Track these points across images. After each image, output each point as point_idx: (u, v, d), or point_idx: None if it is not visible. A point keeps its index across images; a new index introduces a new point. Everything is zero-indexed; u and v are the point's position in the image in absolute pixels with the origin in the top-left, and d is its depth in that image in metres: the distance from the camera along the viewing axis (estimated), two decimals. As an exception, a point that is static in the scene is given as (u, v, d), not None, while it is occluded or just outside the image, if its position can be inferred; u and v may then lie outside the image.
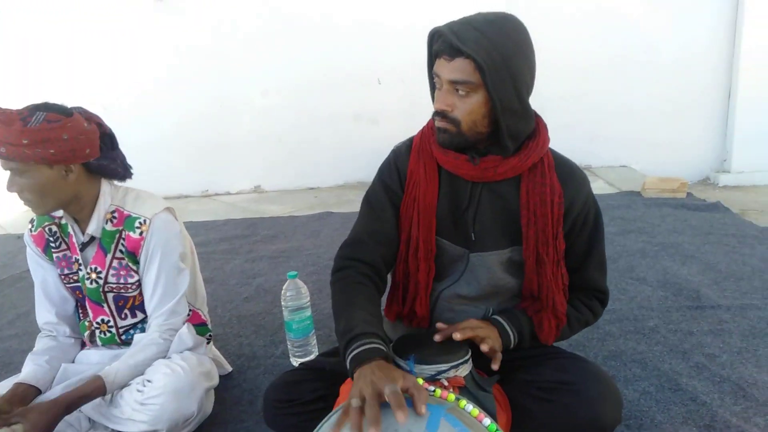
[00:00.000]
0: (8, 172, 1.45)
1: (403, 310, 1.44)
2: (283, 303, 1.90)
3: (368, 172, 5.14)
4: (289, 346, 1.96)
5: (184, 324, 1.67)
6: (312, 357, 1.93)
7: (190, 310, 1.76)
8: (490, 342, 1.22)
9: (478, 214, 1.31)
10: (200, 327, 1.80)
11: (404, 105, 4.50)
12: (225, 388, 1.83)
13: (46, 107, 1.45)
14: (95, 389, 1.47)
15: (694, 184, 4.36)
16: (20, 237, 4.00)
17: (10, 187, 1.44)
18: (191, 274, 1.74)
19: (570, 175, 1.29)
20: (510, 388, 1.27)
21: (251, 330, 2.26)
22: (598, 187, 4.09)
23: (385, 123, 4.71)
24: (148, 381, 1.47)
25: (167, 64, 4.68)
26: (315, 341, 1.97)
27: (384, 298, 1.43)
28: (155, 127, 4.70)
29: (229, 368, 1.93)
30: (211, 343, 1.88)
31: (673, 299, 2.21)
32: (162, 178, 4.18)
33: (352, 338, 1.12)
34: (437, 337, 1.23)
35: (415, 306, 1.39)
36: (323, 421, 1.07)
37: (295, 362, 1.94)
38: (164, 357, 1.60)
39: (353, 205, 4.24)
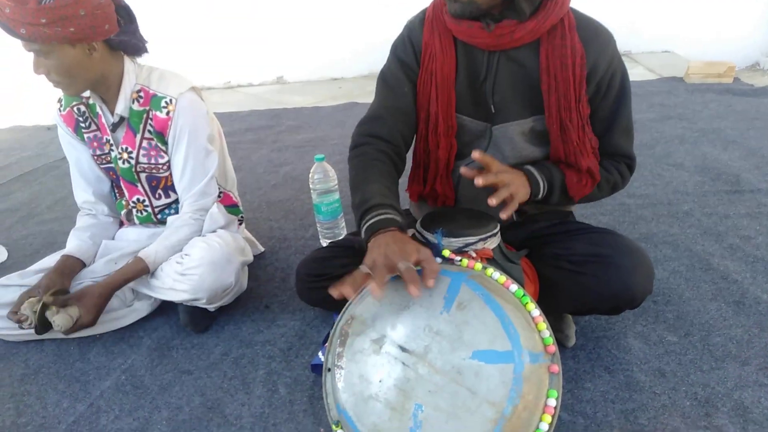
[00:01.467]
0: (32, 55, 1.42)
1: (424, 189, 1.43)
2: (311, 186, 1.91)
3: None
4: (318, 228, 1.99)
5: (214, 204, 1.70)
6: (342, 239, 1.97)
7: (220, 192, 1.78)
8: (504, 193, 1.14)
9: (496, 84, 1.25)
10: (232, 208, 1.83)
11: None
12: (259, 266, 1.89)
13: None
14: (138, 270, 1.53)
15: (742, 70, 4.09)
16: (50, 128, 4.05)
17: (37, 69, 1.41)
18: (220, 156, 1.74)
19: (593, 34, 1.20)
20: (539, 262, 1.27)
21: (281, 214, 2.30)
22: (637, 73, 3.87)
23: (415, 10, 4.44)
24: (186, 255, 1.52)
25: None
26: (343, 224, 2.00)
27: (405, 180, 1.41)
28: (177, 18, 4.53)
29: (262, 248, 1.98)
30: (243, 224, 1.92)
31: (710, 184, 2.15)
32: (184, 69, 4.09)
33: (367, 209, 1.12)
34: (479, 182, 1.12)
35: (437, 185, 1.38)
36: (351, 299, 1.10)
37: (325, 243, 1.98)
38: (198, 236, 1.65)
39: (379, 95, 4.12)
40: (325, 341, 1.43)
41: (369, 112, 1.36)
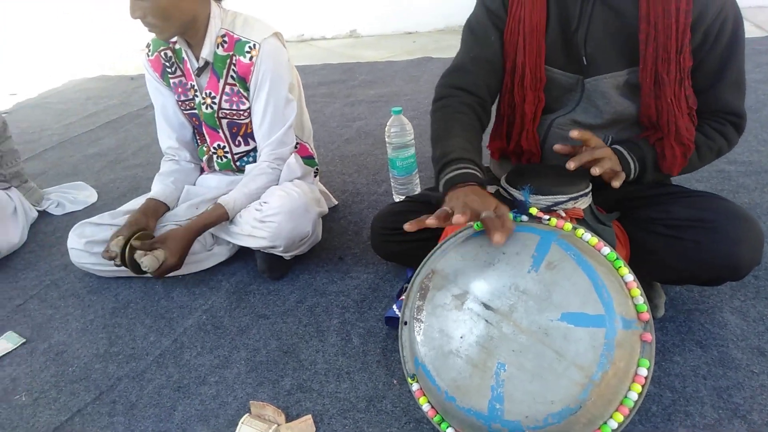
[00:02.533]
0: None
1: (508, 146, 1.37)
2: (387, 139, 1.87)
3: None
4: (392, 184, 1.97)
5: (291, 154, 1.71)
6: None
7: (297, 143, 1.78)
8: (607, 164, 1.08)
9: (590, 33, 1.15)
10: (308, 159, 1.83)
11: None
12: (332, 219, 1.90)
13: None
14: (218, 216, 1.57)
15: None
16: (133, 78, 4.21)
17: (134, 12, 1.44)
18: (298, 107, 1.74)
19: None
20: (632, 225, 1.19)
21: (354, 169, 2.29)
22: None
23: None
24: (265, 203, 1.54)
25: None
26: (418, 180, 1.96)
27: (487, 136, 1.35)
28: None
29: (335, 201, 1.99)
30: (318, 177, 1.92)
31: (823, 153, 1.95)
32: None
33: (446, 162, 1.08)
34: (571, 165, 1.08)
35: (522, 141, 1.31)
36: (431, 253, 1.07)
37: (398, 199, 1.96)
38: (275, 185, 1.66)
39: (454, 50, 3.95)
40: (399, 295, 1.42)
41: (454, 62, 1.30)
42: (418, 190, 1.96)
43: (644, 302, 0.92)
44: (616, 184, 1.10)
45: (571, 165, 1.07)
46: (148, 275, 1.53)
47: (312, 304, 1.50)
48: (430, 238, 1.28)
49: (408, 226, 0.97)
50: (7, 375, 1.37)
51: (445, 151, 1.10)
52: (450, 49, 3.98)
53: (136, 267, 1.49)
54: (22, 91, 4.15)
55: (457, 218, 0.89)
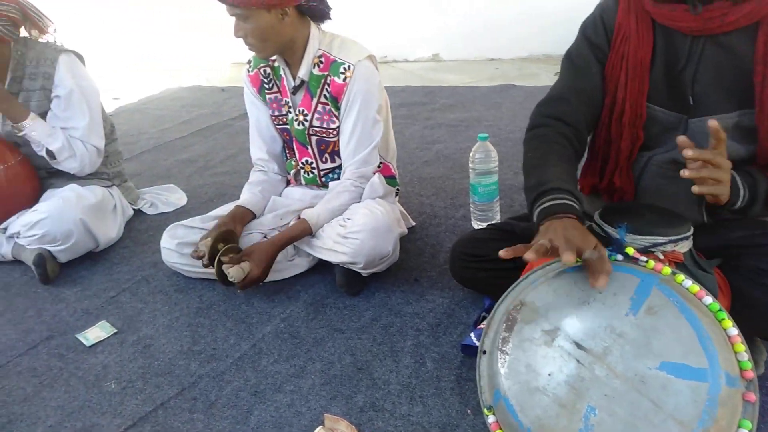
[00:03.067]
0: (233, 20, 1.54)
1: (600, 182, 1.33)
2: (470, 165, 1.87)
3: (558, 45, 4.68)
4: (471, 209, 1.96)
5: (374, 174, 1.74)
6: (494, 222, 1.92)
7: (380, 163, 1.82)
8: (718, 190, 0.98)
9: (698, 73, 1.11)
10: (390, 179, 1.86)
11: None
12: (409, 240, 1.91)
13: None
14: (302, 230, 1.62)
15: None
16: (224, 90, 4.43)
17: (237, 32, 1.54)
18: (384, 128, 1.77)
19: None
20: (734, 274, 1.13)
21: (432, 191, 2.30)
22: None
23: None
24: (348, 219, 1.58)
25: None
26: (498, 207, 1.94)
27: (578, 170, 1.32)
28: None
29: (413, 223, 2.00)
30: (397, 197, 1.95)
31: None
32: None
33: (543, 192, 1.06)
34: (685, 173, 0.96)
35: (615, 178, 1.27)
36: (516, 283, 1.05)
37: (477, 225, 1.94)
38: (357, 202, 1.70)
39: (538, 79, 3.95)
40: (476, 323, 1.41)
41: (551, 92, 1.29)
42: (497, 217, 1.95)
43: (749, 359, 0.87)
44: (698, 190, 0.98)
45: (685, 173, 0.97)
46: (235, 287, 1.60)
47: (387, 323, 1.51)
48: (512, 268, 1.26)
49: (504, 253, 0.96)
50: (99, 362, 1.46)
51: (542, 180, 1.09)
52: (533, 77, 3.95)
53: (223, 278, 1.57)
54: (124, 96, 4.47)
55: (567, 258, 0.88)
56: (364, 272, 1.62)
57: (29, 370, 1.44)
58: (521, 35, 4.49)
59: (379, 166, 1.79)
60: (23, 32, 1.93)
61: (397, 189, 1.92)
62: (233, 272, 1.52)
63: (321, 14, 1.61)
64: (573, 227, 0.97)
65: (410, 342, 1.42)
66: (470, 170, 1.89)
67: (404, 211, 1.99)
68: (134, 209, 2.30)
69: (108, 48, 5.38)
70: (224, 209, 1.86)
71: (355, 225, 1.53)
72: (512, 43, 4.55)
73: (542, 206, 1.05)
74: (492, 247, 1.42)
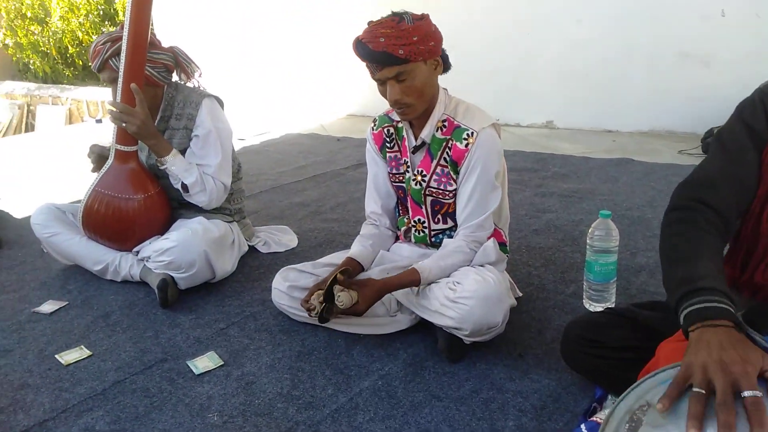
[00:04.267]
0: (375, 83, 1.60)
1: (741, 275, 1.21)
2: (588, 242, 1.79)
3: (685, 122, 4.50)
4: (585, 287, 1.86)
5: (488, 239, 1.72)
6: (608, 304, 1.81)
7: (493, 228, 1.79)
8: None
9: None
10: (501, 246, 1.82)
11: (753, 45, 3.71)
12: (514, 311, 1.83)
13: (396, 13, 1.56)
14: (411, 281, 1.62)
15: None
16: (339, 140, 4.65)
17: (394, 95, 1.53)
18: (501, 194, 1.75)
19: None
20: None
21: (540, 262, 2.23)
22: None
23: (720, 66, 3.97)
24: (458, 283, 1.56)
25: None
26: (614, 289, 1.83)
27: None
28: (458, 50, 4.82)
29: (519, 293, 1.94)
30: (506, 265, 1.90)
31: None
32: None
33: (694, 290, 0.96)
34: None
35: (757, 274, 1.15)
36: (643, 380, 0.96)
37: (589, 305, 1.84)
38: (467, 265, 1.68)
39: (659, 155, 3.77)
40: (586, 414, 1.31)
41: (699, 174, 1.19)
42: (613, 299, 1.83)
43: None
44: None
45: None
46: (324, 313, 1.60)
47: (487, 397, 1.45)
48: (635, 360, 1.17)
49: (661, 407, 0.85)
50: (205, 392, 1.52)
51: (691, 275, 0.98)
52: (654, 153, 3.77)
53: (329, 296, 1.57)
54: (249, 138, 4.82)
55: (664, 403, 0.80)
56: (468, 340, 1.57)
57: (143, 390, 1.53)
58: (642, 108, 4.34)
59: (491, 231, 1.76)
60: (174, 76, 2.16)
61: (507, 256, 1.87)
62: (344, 297, 1.53)
63: (449, 64, 1.66)
64: (731, 342, 0.86)
65: (512, 422, 1.35)
66: (587, 247, 1.80)
67: (511, 280, 1.93)
68: (249, 245, 2.42)
69: (239, 91, 5.87)
70: (334, 258, 1.91)
71: (465, 290, 1.50)
72: (632, 116, 4.40)
73: (692, 308, 0.94)
74: (613, 335, 1.34)
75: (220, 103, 2.21)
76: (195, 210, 2.20)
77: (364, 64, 1.57)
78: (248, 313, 1.93)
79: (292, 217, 2.88)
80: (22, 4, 8.41)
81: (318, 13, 5.62)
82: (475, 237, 1.69)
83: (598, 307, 1.81)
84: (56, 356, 1.68)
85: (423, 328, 1.75)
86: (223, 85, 4.19)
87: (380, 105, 1.67)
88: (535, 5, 4.52)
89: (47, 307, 1.98)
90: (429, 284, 1.65)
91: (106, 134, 4.42)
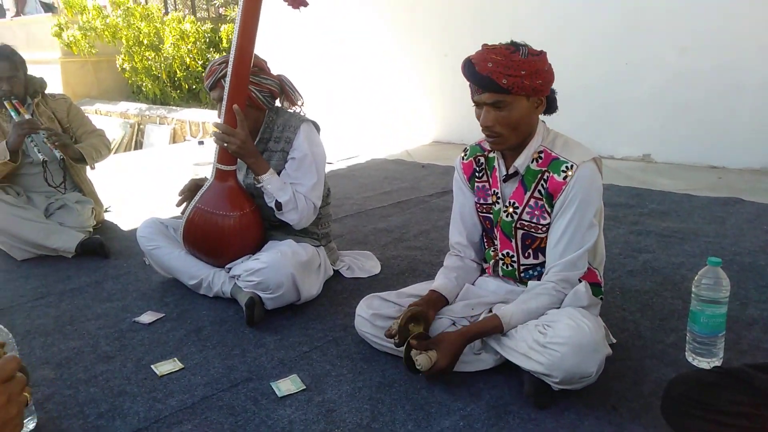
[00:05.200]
0: (474, 107, 1.59)
1: None
2: (694, 290, 1.66)
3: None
4: (688, 339, 1.72)
5: (579, 279, 1.64)
6: (716, 361, 1.66)
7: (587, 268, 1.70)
8: None
9: None
10: (595, 287, 1.72)
11: None
12: (607, 358, 1.72)
13: (515, 43, 1.54)
14: (493, 328, 1.58)
15: None
16: (424, 167, 4.66)
17: (486, 121, 1.54)
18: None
19: None
20: None
21: (636, 307, 2.09)
22: None
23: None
24: (548, 326, 1.48)
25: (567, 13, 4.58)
26: (722, 344, 1.68)
27: None
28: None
29: (613, 339, 1.81)
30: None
31: None
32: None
33: None
34: None
35: None
36: None
37: (693, 359, 1.69)
38: (556, 308, 1.60)
39: (772, 195, 3.46)
40: (692, 483, 1.19)
41: None
42: (721, 354, 1.68)
43: None
44: None
45: None
46: (419, 374, 1.59)
47: (577, 451, 1.36)
48: (750, 429, 1.06)
49: None
50: (287, 416, 1.53)
51: None
52: (766, 193, 3.46)
53: (410, 364, 1.58)
54: (336, 162, 4.94)
55: None
56: (557, 387, 1.49)
57: (228, 408, 1.57)
58: (753, 144, 4.02)
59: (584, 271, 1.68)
60: (277, 102, 2.26)
61: (600, 298, 1.77)
62: (421, 360, 1.53)
63: (555, 107, 1.61)
64: None
65: (604, 482, 1.25)
66: (693, 295, 1.67)
67: (604, 324, 1.82)
68: (333, 270, 2.46)
69: (328, 115, 6.07)
70: (418, 288, 1.89)
71: (557, 336, 1.43)
72: (741, 152, 4.09)
73: None
74: (722, 397, 1.22)
75: (317, 128, 2.29)
76: (285, 232, 2.27)
77: (467, 84, 1.57)
78: (331, 338, 1.94)
79: (375, 243, 2.89)
80: (140, 32, 9.22)
81: (406, 41, 5.72)
82: (566, 276, 1.61)
83: (703, 363, 1.66)
84: (152, 366, 1.77)
85: (507, 369, 1.67)
86: (314, 109, 4.36)
87: (466, 132, 1.68)
88: (635, 31, 4.34)
89: (146, 317, 2.11)
90: (511, 329, 1.59)
91: (206, 156, 4.71)
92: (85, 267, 2.63)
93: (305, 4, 2.08)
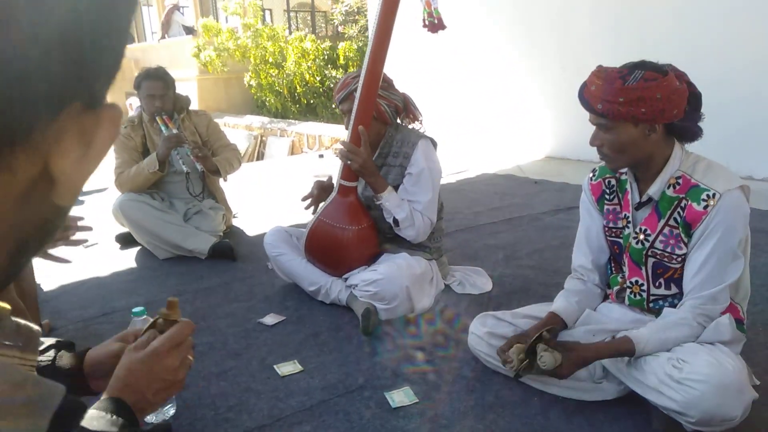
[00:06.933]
0: (591, 129, 1.55)
1: None
2: None
3: None
4: None
5: (720, 314, 1.51)
6: None
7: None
8: None
9: None
10: (738, 324, 1.58)
11: None
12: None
13: (643, 65, 1.47)
14: (625, 350, 1.49)
15: None
16: (536, 182, 4.53)
17: (594, 140, 1.54)
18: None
19: None
20: None
21: (786, 347, 1.88)
22: None
23: None
24: (684, 361, 1.38)
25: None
26: None
27: None
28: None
29: (757, 381, 1.64)
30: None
31: None
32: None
33: None
34: None
35: None
36: None
37: None
38: (693, 341, 1.48)
39: None
40: None
41: None
42: None
43: None
44: None
45: None
46: (522, 372, 1.54)
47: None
48: None
49: None
50: (400, 427, 1.56)
51: None
52: None
53: (531, 353, 1.52)
54: (447, 176, 4.96)
55: None
56: (691, 428, 1.38)
57: (344, 413, 1.63)
58: None
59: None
60: (398, 119, 2.32)
61: (743, 336, 1.61)
62: (547, 357, 1.47)
63: (692, 136, 1.51)
64: None
65: None
66: None
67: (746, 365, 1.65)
68: (445, 284, 2.46)
69: (441, 129, 6.11)
70: (535, 309, 1.84)
71: (695, 372, 1.32)
72: None
73: None
74: None
75: (434, 144, 2.32)
76: (399, 245, 2.32)
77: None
78: (443, 353, 1.95)
79: (486, 259, 2.86)
80: (266, 51, 9.90)
81: (523, 54, 5.62)
82: (705, 311, 1.49)
83: None
84: (274, 366, 1.89)
85: (630, 401, 1.58)
86: (428, 123, 4.40)
87: (580, 148, 1.62)
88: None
89: (269, 319, 2.25)
90: (643, 356, 1.50)
91: (325, 169, 4.94)
92: (215, 268, 2.86)
93: (443, 28, 2.13)
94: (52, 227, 0.32)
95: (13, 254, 0.30)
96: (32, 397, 0.29)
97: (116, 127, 0.30)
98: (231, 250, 2.96)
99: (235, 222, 3.63)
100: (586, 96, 1.50)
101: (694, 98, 1.50)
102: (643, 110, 1.43)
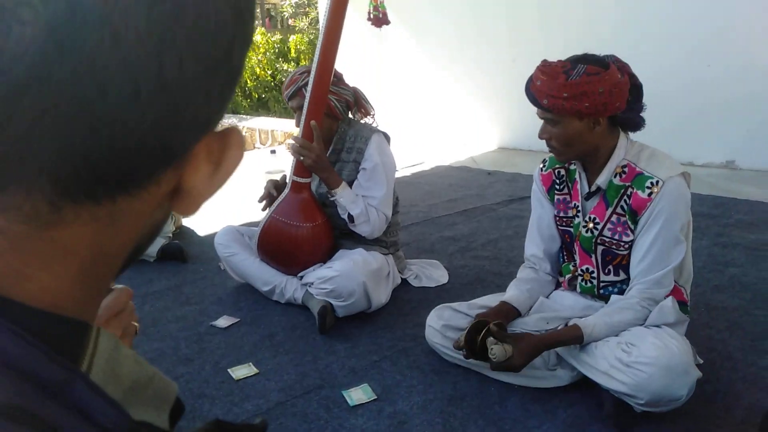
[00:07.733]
0: (540, 121, 1.58)
1: None
2: (793, 309, 1.54)
3: None
4: (786, 363, 1.60)
5: (665, 297, 1.56)
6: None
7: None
8: None
9: None
10: (681, 306, 1.63)
11: None
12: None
13: (585, 59, 1.49)
14: (573, 338, 1.53)
15: None
16: (490, 174, 4.59)
17: (542, 134, 1.57)
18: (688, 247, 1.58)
19: None
20: None
21: (724, 325, 1.96)
22: None
23: None
24: (632, 345, 1.42)
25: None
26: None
27: None
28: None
29: (699, 360, 1.71)
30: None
31: None
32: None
33: None
34: None
35: None
36: None
37: (791, 384, 1.57)
38: (640, 325, 1.53)
39: None
40: None
41: None
42: (824, 382, 1.55)
43: None
44: None
45: None
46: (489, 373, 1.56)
47: (663, 479, 1.29)
48: None
49: None
50: (359, 425, 1.55)
51: None
52: None
53: (483, 350, 1.53)
54: (401, 169, 4.96)
55: None
56: (640, 408, 1.42)
57: (302, 415, 1.60)
58: None
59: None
60: (350, 114, 2.29)
61: (687, 317, 1.67)
62: (497, 350, 1.49)
63: (635, 125, 1.55)
64: None
65: None
66: (793, 316, 1.55)
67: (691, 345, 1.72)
68: (401, 278, 2.46)
69: (393, 122, 6.11)
70: (490, 299, 1.86)
71: (643, 356, 1.36)
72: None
73: None
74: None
75: (387, 138, 2.30)
76: (355, 240, 2.29)
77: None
78: (400, 347, 1.94)
79: (442, 252, 2.87)
80: (213, 44, 9.64)
81: (472, 47, 5.67)
82: (651, 294, 1.54)
83: (805, 390, 1.54)
84: (229, 370, 1.84)
85: (584, 386, 1.62)
86: (381, 117, 4.39)
87: (531, 138, 1.65)
88: (718, 34, 4.10)
89: (222, 321, 2.19)
90: (592, 341, 1.53)
91: (278, 165, 4.84)
92: (165, 271, 2.76)
93: (387, 23, 2.11)
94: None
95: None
96: (158, 390, 0.33)
97: (243, 151, 0.33)
98: (181, 251, 2.87)
99: (184, 222, 3.52)
100: (532, 90, 1.51)
101: (635, 90, 1.54)
102: (587, 105, 1.45)
